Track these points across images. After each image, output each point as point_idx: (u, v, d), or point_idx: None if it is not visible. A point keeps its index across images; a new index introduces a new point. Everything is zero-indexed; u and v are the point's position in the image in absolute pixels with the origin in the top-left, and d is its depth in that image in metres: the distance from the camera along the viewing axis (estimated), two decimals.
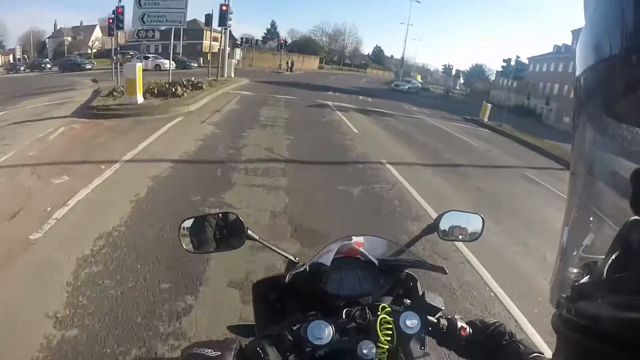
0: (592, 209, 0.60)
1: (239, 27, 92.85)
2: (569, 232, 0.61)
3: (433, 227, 1.46)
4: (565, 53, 55.74)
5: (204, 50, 65.29)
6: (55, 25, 65.35)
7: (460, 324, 1.05)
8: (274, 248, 1.32)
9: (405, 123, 16.79)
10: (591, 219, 0.60)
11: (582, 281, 0.57)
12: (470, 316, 1.20)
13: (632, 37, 0.42)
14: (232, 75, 26.73)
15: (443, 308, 1.08)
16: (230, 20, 23.51)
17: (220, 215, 1.35)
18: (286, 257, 1.36)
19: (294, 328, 0.99)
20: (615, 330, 0.44)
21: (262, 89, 21.37)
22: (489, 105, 24.05)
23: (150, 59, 39.87)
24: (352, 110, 17.36)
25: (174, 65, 41.39)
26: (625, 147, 0.52)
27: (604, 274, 0.52)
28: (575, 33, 53.68)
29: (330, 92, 25.52)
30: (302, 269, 1.15)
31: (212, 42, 71.88)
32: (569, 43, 56.23)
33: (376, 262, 1.24)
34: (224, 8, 22.67)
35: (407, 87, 44.15)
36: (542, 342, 3.16)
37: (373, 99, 26.18)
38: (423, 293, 1.12)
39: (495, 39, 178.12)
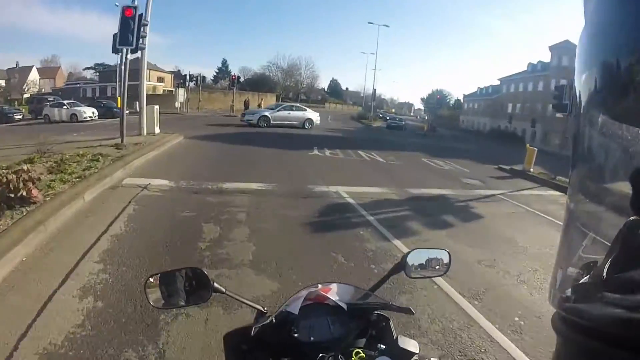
0: (592, 209, 0.58)
1: (189, 69, 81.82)
2: (568, 233, 0.60)
3: (400, 267, 1.39)
4: (542, 71, 49.33)
5: (148, 92, 53.91)
6: None
7: None
8: (241, 299, 1.27)
9: (516, 230, 6.94)
10: (591, 219, 0.58)
11: (582, 281, 0.55)
12: None
13: (631, 37, 0.42)
14: (156, 130, 15.89)
15: (417, 352, 1.05)
16: (143, 36, 12.98)
17: (185, 270, 1.24)
18: (254, 308, 1.28)
19: None
20: (615, 330, 0.43)
21: (199, 162, 10.84)
22: (535, 149, 15.85)
23: (65, 107, 28.40)
24: (409, 219, 7.17)
25: (96, 113, 30.81)
26: (625, 147, 0.50)
27: (604, 274, 0.50)
28: (555, 49, 47.49)
29: (316, 151, 15.17)
30: (268, 320, 1.12)
31: (158, 83, 61.58)
32: (546, 60, 49.85)
33: (344, 306, 1.18)
34: (128, 12, 12.08)
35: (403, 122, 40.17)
36: None
37: (378, 152, 16.33)
38: (397, 337, 1.09)
39: (451, 63, 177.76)
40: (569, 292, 0.55)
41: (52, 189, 6.69)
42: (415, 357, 1.02)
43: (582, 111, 0.52)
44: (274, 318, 1.11)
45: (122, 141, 12.37)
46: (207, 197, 7.11)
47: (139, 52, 14.39)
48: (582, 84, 0.50)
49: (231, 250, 4.79)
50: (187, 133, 16.73)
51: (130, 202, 6.57)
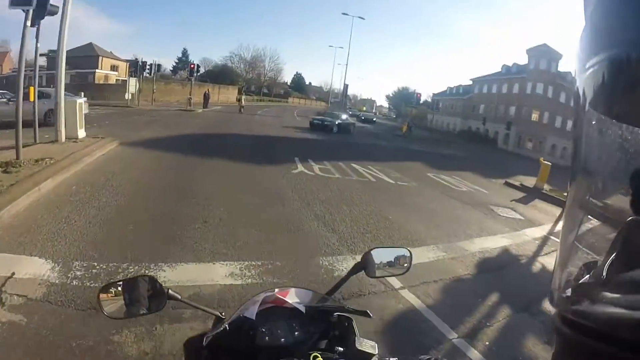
0: (592, 209, 0.57)
1: (149, 60, 74.47)
2: (569, 233, 0.59)
3: (360, 267, 1.33)
4: (517, 73, 47.81)
5: (97, 82, 47.59)
6: None
7: None
8: (197, 305, 1.20)
9: None
10: (591, 219, 0.58)
11: (582, 281, 0.55)
12: None
13: (631, 37, 0.41)
14: (80, 134, 11.43)
15: (376, 353, 1.02)
16: None
17: (138, 278, 1.16)
18: (212, 314, 1.22)
19: None
20: (616, 330, 0.42)
21: (126, 197, 6.51)
22: (549, 164, 14.07)
23: None
24: (523, 338, 3.83)
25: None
26: (625, 148, 0.50)
27: (604, 274, 0.49)
28: (532, 52, 45.16)
29: (300, 166, 11.21)
30: (221, 328, 1.04)
31: (111, 72, 54.77)
32: (522, 62, 48.32)
33: (303, 309, 1.13)
34: None
35: (337, 121, 27.02)
36: None
37: (375, 164, 12.94)
38: (354, 340, 1.06)
39: (414, 61, 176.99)
40: (569, 292, 0.53)
41: None
42: (374, 359, 0.99)
43: (582, 111, 0.51)
44: (227, 325, 1.04)
45: (17, 157, 7.94)
46: (114, 332, 3.10)
47: (64, 27, 10.14)
48: (582, 84, 0.49)
49: None
50: (126, 136, 12.32)
51: None
